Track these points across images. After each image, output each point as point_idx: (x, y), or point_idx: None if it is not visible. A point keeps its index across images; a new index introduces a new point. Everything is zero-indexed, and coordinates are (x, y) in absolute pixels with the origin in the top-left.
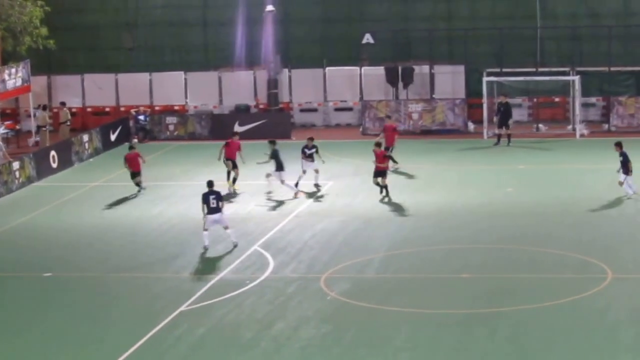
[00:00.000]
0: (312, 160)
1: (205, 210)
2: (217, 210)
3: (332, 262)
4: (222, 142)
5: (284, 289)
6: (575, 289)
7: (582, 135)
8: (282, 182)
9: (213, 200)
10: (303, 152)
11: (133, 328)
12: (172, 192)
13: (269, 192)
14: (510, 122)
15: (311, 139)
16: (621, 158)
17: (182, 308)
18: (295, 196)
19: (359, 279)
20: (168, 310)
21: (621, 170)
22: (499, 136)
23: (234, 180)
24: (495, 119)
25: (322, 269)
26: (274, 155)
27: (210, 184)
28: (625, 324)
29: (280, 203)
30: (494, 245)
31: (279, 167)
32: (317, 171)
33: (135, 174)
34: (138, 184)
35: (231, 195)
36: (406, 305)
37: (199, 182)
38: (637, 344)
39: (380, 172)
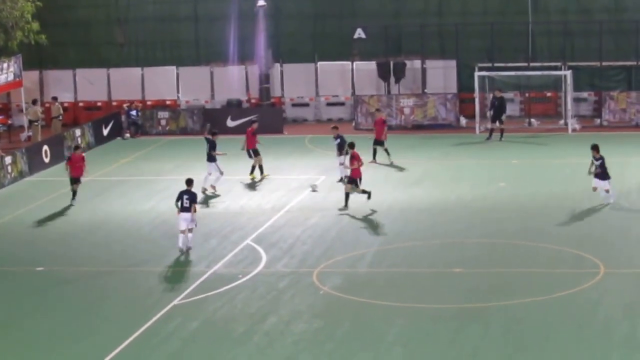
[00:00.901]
0: (339, 153)
1: (179, 208)
2: (187, 210)
3: (324, 257)
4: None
5: (276, 283)
6: (568, 283)
7: (574, 130)
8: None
9: (186, 200)
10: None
11: (126, 322)
12: (165, 187)
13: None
14: (504, 117)
15: (335, 127)
16: (599, 162)
17: (175, 302)
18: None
19: (352, 273)
20: (161, 305)
21: (599, 176)
22: (492, 131)
23: (260, 168)
24: (488, 113)
25: (314, 264)
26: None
27: (188, 182)
28: (618, 319)
29: (273, 197)
30: (487, 239)
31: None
32: (341, 164)
33: (74, 180)
34: (74, 193)
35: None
36: (399, 300)
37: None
38: (629, 338)
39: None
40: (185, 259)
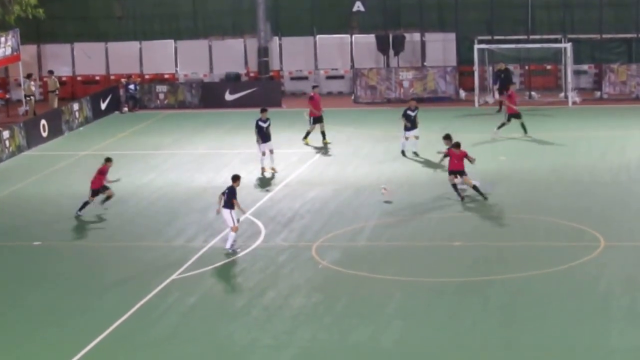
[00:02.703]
0: (416, 127)
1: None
2: (226, 205)
3: (323, 231)
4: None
5: (275, 257)
6: (567, 257)
7: (574, 103)
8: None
9: (225, 196)
10: (406, 116)
11: (124, 297)
12: (163, 161)
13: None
14: (511, 88)
15: (413, 99)
16: (444, 154)
17: (174, 277)
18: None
19: (351, 247)
20: (159, 279)
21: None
22: (501, 103)
23: (323, 134)
24: (495, 86)
25: (313, 238)
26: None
27: (233, 178)
28: (617, 292)
29: (272, 172)
30: (487, 213)
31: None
32: (416, 137)
33: (95, 192)
34: (85, 203)
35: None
36: (398, 274)
37: (189, 151)
38: (629, 312)
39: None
40: (183, 233)
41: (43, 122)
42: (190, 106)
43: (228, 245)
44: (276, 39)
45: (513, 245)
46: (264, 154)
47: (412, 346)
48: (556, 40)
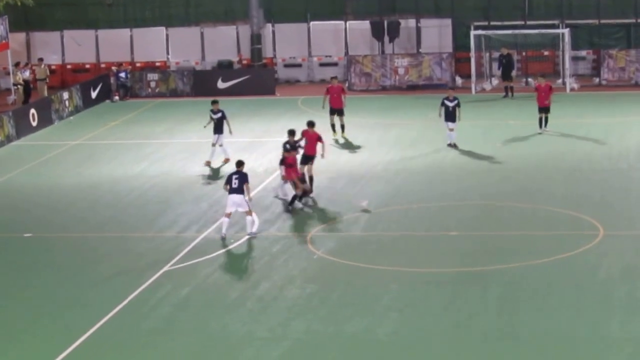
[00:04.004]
0: (454, 119)
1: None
2: (237, 191)
3: (318, 221)
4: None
5: (269, 248)
6: (566, 246)
7: (572, 90)
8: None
9: (235, 181)
10: (444, 105)
11: (116, 289)
12: (154, 150)
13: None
14: (513, 73)
15: (452, 89)
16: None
17: (166, 268)
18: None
19: (346, 237)
20: (152, 271)
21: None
22: (507, 88)
23: (342, 127)
24: (498, 72)
25: (308, 228)
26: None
27: (238, 164)
28: (617, 282)
29: (265, 160)
30: (484, 202)
31: None
32: (451, 130)
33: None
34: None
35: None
36: (394, 264)
37: (181, 140)
38: (629, 301)
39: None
40: (175, 223)
41: (32, 111)
42: (181, 94)
43: (255, 229)
44: (269, 25)
45: (511, 234)
46: (213, 145)
47: (408, 338)
48: (554, 26)
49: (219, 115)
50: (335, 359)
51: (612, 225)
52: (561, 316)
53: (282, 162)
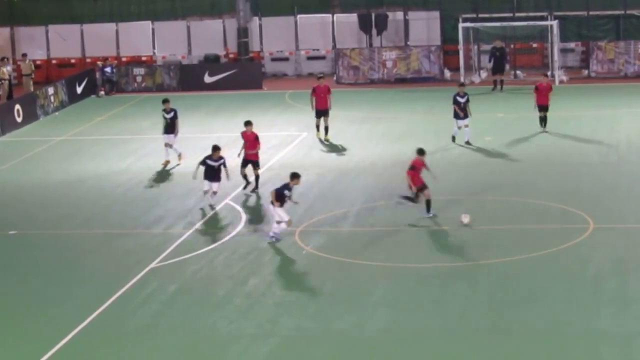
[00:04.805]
0: (466, 115)
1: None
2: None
3: (306, 216)
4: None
5: (257, 243)
6: (557, 239)
7: (561, 82)
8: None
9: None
10: (456, 103)
11: (103, 286)
12: (141, 146)
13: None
14: (507, 67)
15: (462, 85)
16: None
17: (153, 265)
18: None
19: (335, 232)
20: (138, 267)
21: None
22: (495, 82)
23: (326, 129)
24: (488, 65)
25: (296, 223)
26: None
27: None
28: (608, 275)
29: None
30: (474, 196)
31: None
32: (466, 126)
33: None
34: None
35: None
36: (383, 260)
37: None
38: (620, 295)
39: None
40: (162, 220)
41: (17, 107)
42: (168, 89)
43: (278, 232)
44: (256, 19)
45: (501, 228)
46: (165, 145)
47: (398, 333)
48: (542, 18)
49: (171, 114)
50: (324, 355)
51: (602, 218)
52: (552, 310)
53: (412, 168)
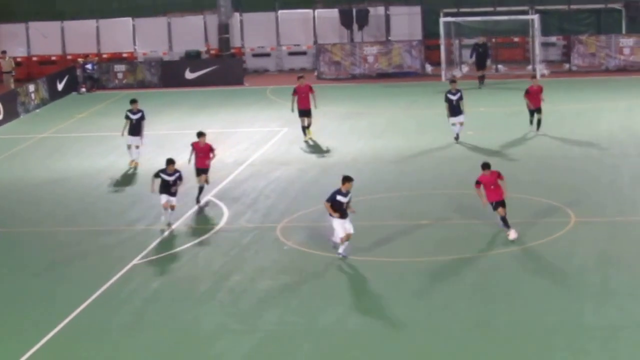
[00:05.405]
0: (460, 113)
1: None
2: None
3: (288, 211)
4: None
5: (240, 239)
6: (539, 233)
7: (542, 76)
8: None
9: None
10: (448, 101)
11: (85, 283)
12: (123, 143)
13: None
14: (488, 62)
15: (454, 81)
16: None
17: (135, 261)
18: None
19: (316, 227)
20: (121, 264)
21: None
22: (480, 78)
23: (308, 126)
24: (471, 59)
25: (278, 218)
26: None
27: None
28: (590, 269)
29: (234, 151)
30: (455, 190)
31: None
32: (461, 124)
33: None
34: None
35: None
36: (365, 254)
37: (149, 132)
38: (602, 288)
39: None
40: (145, 216)
41: None
42: (149, 85)
43: (341, 250)
44: (237, 14)
45: (483, 222)
46: (129, 147)
47: (381, 327)
48: (523, 12)
49: (139, 115)
50: (307, 349)
51: (583, 212)
52: (535, 303)
53: (477, 183)
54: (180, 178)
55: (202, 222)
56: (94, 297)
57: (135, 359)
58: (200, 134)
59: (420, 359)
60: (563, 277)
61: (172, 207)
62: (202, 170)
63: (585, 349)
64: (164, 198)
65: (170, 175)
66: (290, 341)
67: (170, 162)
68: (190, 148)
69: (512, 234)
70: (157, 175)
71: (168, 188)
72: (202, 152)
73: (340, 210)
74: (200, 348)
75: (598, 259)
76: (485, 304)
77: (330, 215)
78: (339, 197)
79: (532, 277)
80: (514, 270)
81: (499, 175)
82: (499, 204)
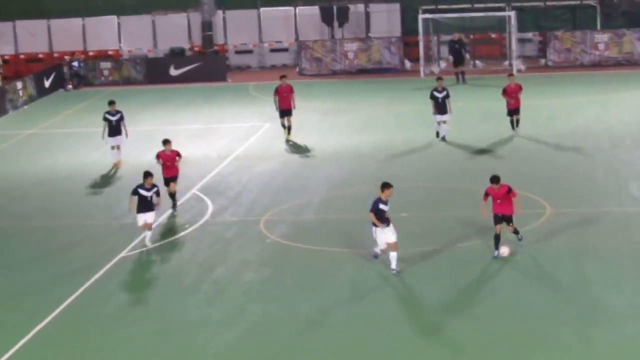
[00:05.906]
0: (445, 111)
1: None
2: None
3: (271, 205)
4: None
5: (224, 232)
6: (515, 224)
7: (519, 71)
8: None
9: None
10: (434, 98)
11: (73, 276)
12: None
13: None
14: (467, 57)
15: (440, 78)
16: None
17: (122, 254)
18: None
19: (299, 221)
20: (108, 257)
21: None
22: (457, 74)
23: (289, 129)
24: (448, 56)
25: (261, 212)
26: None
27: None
28: (565, 259)
29: (218, 146)
30: (434, 183)
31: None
32: (444, 122)
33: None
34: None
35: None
36: (347, 246)
37: (135, 128)
38: (576, 278)
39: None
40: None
41: None
42: (135, 82)
43: (394, 266)
44: (220, 12)
45: (460, 214)
46: (112, 147)
47: (362, 318)
48: (500, 9)
49: (118, 117)
50: (290, 340)
51: (558, 203)
52: (511, 292)
53: (486, 194)
54: (157, 193)
55: (187, 215)
56: (82, 289)
57: (123, 349)
58: (166, 142)
59: (404, 348)
60: (538, 268)
61: (150, 227)
62: (169, 179)
63: (560, 337)
64: (141, 219)
65: (148, 190)
66: (274, 332)
67: (148, 174)
68: (155, 160)
69: (504, 251)
70: (134, 192)
71: (147, 205)
72: (169, 161)
73: (383, 218)
74: (186, 339)
75: (572, 249)
76: (464, 294)
77: (375, 225)
78: (381, 206)
79: (508, 268)
80: (489, 261)
81: (509, 190)
82: (503, 218)
